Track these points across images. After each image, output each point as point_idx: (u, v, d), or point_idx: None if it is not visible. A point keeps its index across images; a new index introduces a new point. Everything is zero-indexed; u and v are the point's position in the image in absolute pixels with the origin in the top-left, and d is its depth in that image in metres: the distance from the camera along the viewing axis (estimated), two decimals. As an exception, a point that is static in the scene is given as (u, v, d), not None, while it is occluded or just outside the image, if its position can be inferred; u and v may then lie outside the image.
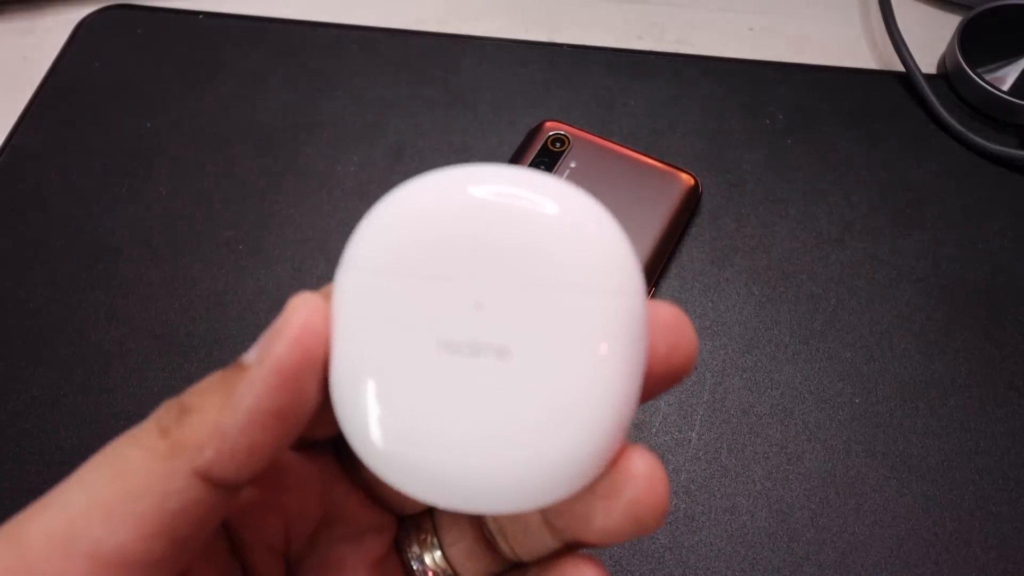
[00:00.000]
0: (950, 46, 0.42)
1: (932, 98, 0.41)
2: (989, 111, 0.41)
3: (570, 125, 0.39)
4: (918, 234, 0.37)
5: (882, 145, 0.40)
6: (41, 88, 0.42)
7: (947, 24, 0.44)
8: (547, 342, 0.15)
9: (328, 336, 0.16)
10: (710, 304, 0.35)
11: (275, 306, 0.36)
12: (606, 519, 0.16)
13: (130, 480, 0.15)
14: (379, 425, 0.15)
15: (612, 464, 0.16)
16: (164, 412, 0.16)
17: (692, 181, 0.37)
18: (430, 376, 0.15)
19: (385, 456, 0.15)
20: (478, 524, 0.20)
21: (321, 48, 0.44)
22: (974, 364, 0.34)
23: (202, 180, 0.39)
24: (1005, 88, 0.40)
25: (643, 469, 0.16)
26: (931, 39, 0.44)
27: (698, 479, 0.31)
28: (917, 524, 0.30)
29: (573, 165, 0.37)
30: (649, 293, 0.35)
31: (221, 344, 0.35)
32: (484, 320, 0.15)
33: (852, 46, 0.44)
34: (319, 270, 0.37)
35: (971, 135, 0.40)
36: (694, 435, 0.32)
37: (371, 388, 0.15)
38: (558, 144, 0.38)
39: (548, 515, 0.18)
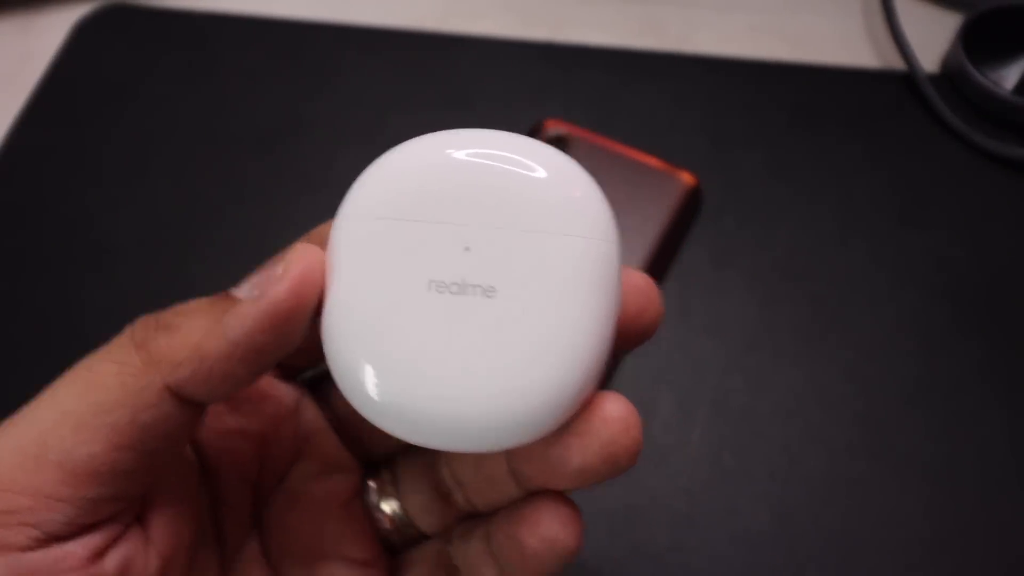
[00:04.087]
0: (952, 45, 0.42)
1: (934, 97, 0.41)
2: (991, 111, 0.41)
3: (570, 124, 0.39)
4: (920, 234, 0.37)
5: (884, 145, 0.40)
6: (40, 88, 0.42)
7: (949, 24, 0.44)
8: (530, 282, 0.16)
9: (323, 285, 0.16)
10: (711, 304, 0.35)
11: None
12: (583, 459, 0.17)
13: (102, 394, 0.16)
14: (373, 368, 0.16)
15: (589, 407, 0.17)
16: (140, 327, 0.17)
17: (692, 181, 0.37)
18: (420, 313, 0.16)
19: (375, 397, 0.16)
20: (436, 478, 0.21)
21: (321, 48, 0.44)
22: (976, 364, 0.34)
23: (202, 180, 0.39)
24: (1008, 88, 0.40)
25: (619, 412, 0.17)
26: (933, 39, 0.44)
27: (699, 480, 0.31)
28: (919, 525, 0.30)
29: (573, 165, 0.37)
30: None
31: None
32: (472, 261, 0.16)
33: (854, 45, 0.44)
34: (319, 270, 0.36)
35: (973, 135, 0.39)
36: (695, 436, 0.32)
37: (363, 325, 0.16)
38: (558, 143, 0.38)
39: (517, 462, 0.18)
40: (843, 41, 0.44)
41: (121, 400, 0.16)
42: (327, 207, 0.41)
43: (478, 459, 0.19)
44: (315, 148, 0.40)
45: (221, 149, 0.40)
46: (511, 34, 0.44)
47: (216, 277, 0.36)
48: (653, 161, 0.38)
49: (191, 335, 0.16)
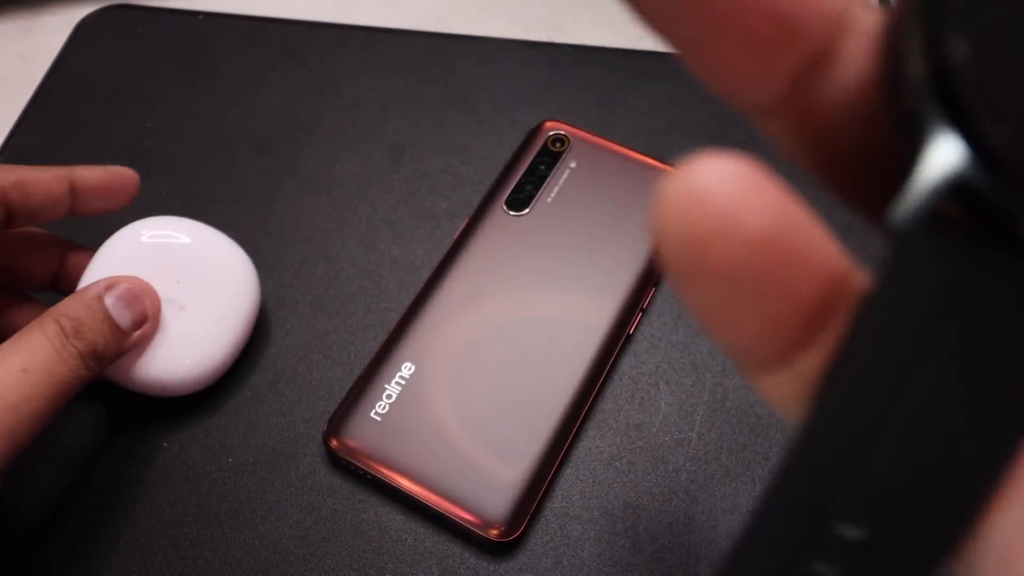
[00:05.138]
0: (951, 46, 0.42)
1: (933, 98, 0.41)
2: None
3: (570, 125, 0.39)
4: (919, 234, 0.37)
5: (883, 145, 0.40)
6: (41, 88, 0.42)
7: (948, 24, 0.44)
8: (202, 306, 0.31)
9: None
10: (710, 304, 0.35)
11: (275, 305, 0.35)
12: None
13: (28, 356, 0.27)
14: None
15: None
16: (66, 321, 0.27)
17: (692, 181, 0.37)
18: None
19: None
20: None
21: (321, 48, 0.44)
22: (975, 364, 0.34)
23: (202, 180, 0.39)
24: (1006, 88, 0.40)
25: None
26: (932, 39, 0.44)
27: (698, 479, 0.31)
28: (918, 525, 0.30)
29: (573, 165, 0.37)
30: (650, 294, 0.35)
31: (221, 344, 0.35)
32: (178, 290, 0.31)
33: (853, 46, 0.44)
34: (319, 270, 0.36)
35: (972, 135, 0.40)
36: (694, 435, 0.32)
37: None
38: (558, 144, 0.38)
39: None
40: (842, 41, 0.44)
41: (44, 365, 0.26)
42: (327, 207, 0.41)
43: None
44: (315, 148, 0.40)
45: (221, 149, 0.40)
46: (511, 34, 0.44)
47: (216, 277, 0.36)
48: (653, 161, 0.38)
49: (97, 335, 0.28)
